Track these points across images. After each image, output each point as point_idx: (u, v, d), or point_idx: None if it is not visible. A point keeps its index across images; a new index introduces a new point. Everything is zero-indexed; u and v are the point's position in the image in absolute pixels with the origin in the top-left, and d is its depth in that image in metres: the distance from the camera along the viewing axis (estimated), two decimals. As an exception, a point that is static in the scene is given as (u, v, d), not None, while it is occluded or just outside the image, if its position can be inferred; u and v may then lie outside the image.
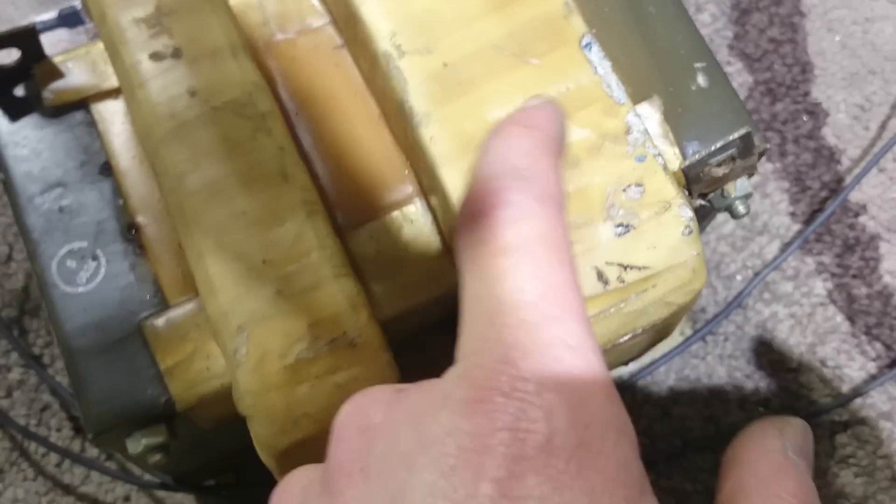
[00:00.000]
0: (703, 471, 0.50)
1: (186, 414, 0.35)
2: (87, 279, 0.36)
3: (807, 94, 0.58)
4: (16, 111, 0.38)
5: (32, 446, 0.50)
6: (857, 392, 0.51)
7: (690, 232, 0.34)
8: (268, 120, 0.34)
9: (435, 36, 0.35)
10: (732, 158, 0.37)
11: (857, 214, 0.55)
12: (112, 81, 0.38)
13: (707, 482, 0.49)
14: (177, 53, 0.34)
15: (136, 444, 0.35)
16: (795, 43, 0.59)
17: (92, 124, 0.38)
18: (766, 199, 0.55)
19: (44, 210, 0.37)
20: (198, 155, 0.33)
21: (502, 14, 0.36)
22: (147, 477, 0.48)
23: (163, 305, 0.36)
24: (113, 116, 0.38)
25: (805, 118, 0.57)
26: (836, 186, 0.55)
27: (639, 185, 0.34)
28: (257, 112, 0.34)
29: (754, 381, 0.51)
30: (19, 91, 0.38)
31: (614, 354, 0.37)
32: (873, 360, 0.52)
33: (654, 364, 0.51)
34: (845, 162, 0.56)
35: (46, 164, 0.37)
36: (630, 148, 0.34)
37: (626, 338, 0.34)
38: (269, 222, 0.32)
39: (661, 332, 0.38)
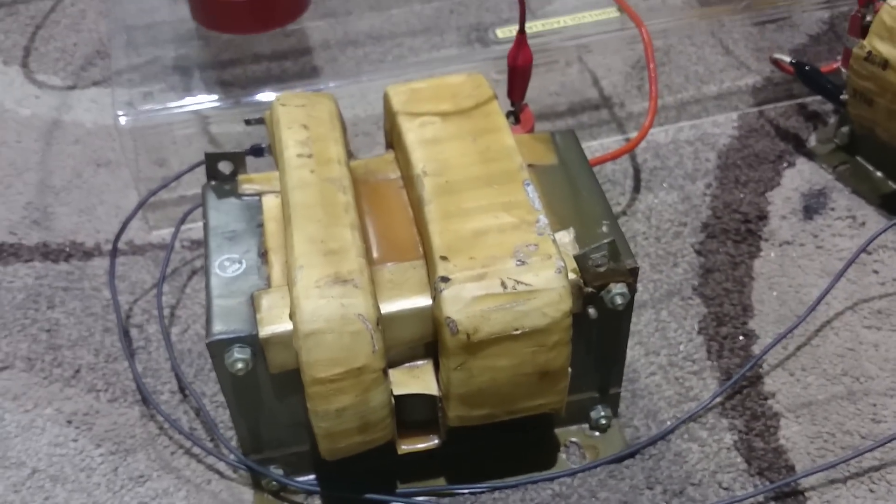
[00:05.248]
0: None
1: (264, 345, 0.61)
2: (233, 271, 0.65)
3: (745, 323, 0.81)
4: (222, 194, 0.70)
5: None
6: (740, 505, 0.68)
7: (561, 272, 0.59)
8: (347, 190, 0.63)
9: (445, 169, 0.65)
10: (606, 259, 0.62)
11: (766, 398, 0.75)
12: (275, 186, 0.69)
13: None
14: (311, 155, 0.65)
15: (231, 356, 0.61)
16: (742, 293, 0.83)
17: (260, 206, 0.69)
18: (702, 381, 0.76)
19: (221, 240, 0.67)
20: (307, 197, 0.62)
21: (485, 165, 0.65)
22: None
23: (268, 288, 0.63)
24: (271, 204, 0.68)
25: (741, 338, 0.79)
26: (757, 382, 0.76)
27: (535, 245, 0.60)
28: (342, 185, 0.64)
29: (663, 486, 0.70)
30: (227, 186, 0.70)
31: (515, 368, 0.60)
32: (763, 492, 0.69)
33: (596, 462, 0.71)
34: (766, 367, 0.77)
35: (230, 221, 0.68)
36: (536, 229, 0.61)
37: (516, 332, 0.58)
38: (331, 227, 0.61)
39: (547, 375, 0.61)
